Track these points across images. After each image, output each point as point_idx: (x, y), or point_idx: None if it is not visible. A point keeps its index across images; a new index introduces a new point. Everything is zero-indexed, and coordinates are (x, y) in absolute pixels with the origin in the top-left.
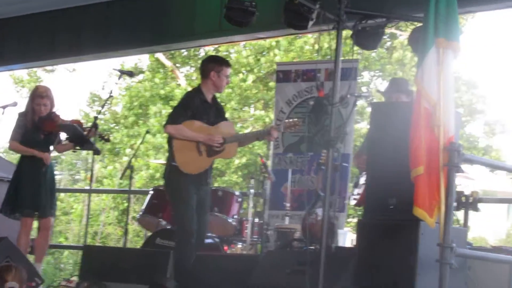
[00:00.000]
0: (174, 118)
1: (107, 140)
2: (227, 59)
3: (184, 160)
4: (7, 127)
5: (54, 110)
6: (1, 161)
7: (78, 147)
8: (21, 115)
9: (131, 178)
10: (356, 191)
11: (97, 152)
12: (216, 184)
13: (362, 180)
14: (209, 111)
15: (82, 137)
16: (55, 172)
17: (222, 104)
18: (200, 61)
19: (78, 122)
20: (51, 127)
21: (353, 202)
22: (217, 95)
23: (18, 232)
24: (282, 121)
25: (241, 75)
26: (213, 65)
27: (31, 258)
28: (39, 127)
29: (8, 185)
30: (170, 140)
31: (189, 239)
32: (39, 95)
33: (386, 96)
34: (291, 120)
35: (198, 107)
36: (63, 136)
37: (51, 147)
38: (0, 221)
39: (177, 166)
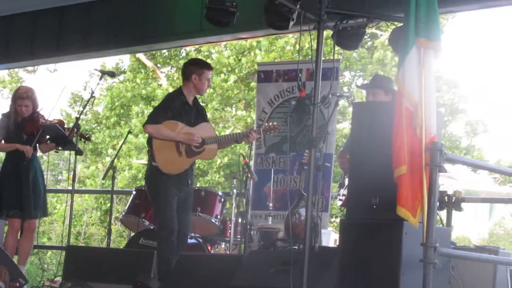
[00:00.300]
0: (154, 117)
1: (88, 139)
2: (208, 60)
3: (164, 160)
4: None
5: (38, 110)
6: None
7: (60, 148)
8: (4, 115)
9: (113, 178)
10: (342, 191)
11: (79, 152)
12: (198, 184)
13: (347, 180)
14: (190, 112)
15: (64, 137)
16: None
17: (204, 104)
18: (181, 62)
19: (60, 122)
20: (33, 127)
21: (339, 203)
22: (199, 95)
23: (5, 233)
24: (262, 125)
25: (222, 76)
26: (194, 68)
27: (14, 259)
28: (21, 127)
29: None
30: (150, 140)
31: (170, 237)
32: (19, 97)
33: (365, 91)
34: (270, 124)
35: (179, 109)
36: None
37: (36, 147)
38: None
39: (157, 167)
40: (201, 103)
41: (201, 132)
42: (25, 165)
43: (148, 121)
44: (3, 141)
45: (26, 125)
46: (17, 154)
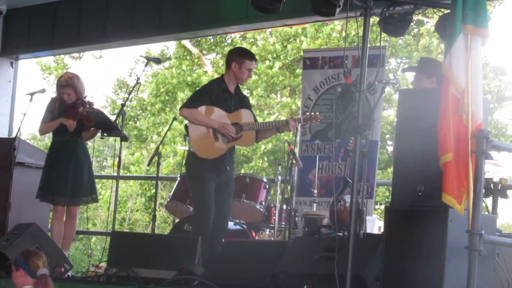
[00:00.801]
0: (191, 102)
1: (125, 139)
2: (253, 47)
3: (199, 145)
4: (35, 114)
5: (84, 96)
6: (29, 148)
7: (105, 134)
8: (52, 100)
9: (158, 164)
10: None
11: (124, 138)
12: (242, 171)
13: None
14: (230, 100)
15: (110, 123)
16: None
17: (249, 91)
18: (226, 48)
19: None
20: (74, 115)
21: None
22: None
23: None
24: (305, 113)
25: (267, 62)
26: (235, 57)
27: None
28: (64, 115)
29: (42, 171)
30: (186, 125)
31: (208, 213)
32: (60, 85)
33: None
34: (312, 114)
35: (218, 95)
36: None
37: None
38: (31, 207)
39: (194, 152)
40: (245, 91)
41: (238, 118)
42: (70, 151)
43: (184, 105)
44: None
45: (68, 112)
46: (62, 140)
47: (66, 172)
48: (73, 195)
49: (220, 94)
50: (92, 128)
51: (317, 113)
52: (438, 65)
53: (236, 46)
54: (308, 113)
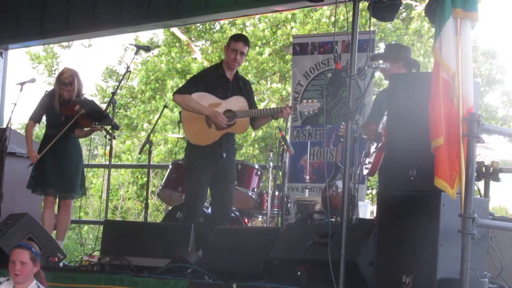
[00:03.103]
0: (184, 88)
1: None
2: (243, 33)
3: (192, 131)
4: (26, 103)
5: (82, 94)
6: (20, 138)
7: (96, 123)
8: (46, 95)
9: (150, 152)
10: (367, 160)
11: (115, 127)
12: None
13: (373, 148)
14: (226, 86)
15: (101, 112)
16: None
17: None
18: (215, 35)
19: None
20: (69, 110)
21: (365, 172)
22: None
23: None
24: (298, 101)
25: (257, 48)
26: (227, 41)
27: (52, 235)
28: (60, 110)
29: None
30: (180, 112)
31: (194, 201)
32: (62, 82)
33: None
34: (310, 101)
35: (214, 81)
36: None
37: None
38: (23, 197)
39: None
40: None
41: (232, 105)
42: (63, 145)
43: (177, 91)
44: (45, 118)
45: (64, 108)
46: (55, 134)
47: (57, 165)
48: (63, 189)
49: (216, 80)
50: (86, 129)
51: (315, 100)
52: (403, 49)
53: (227, 32)
54: (305, 101)
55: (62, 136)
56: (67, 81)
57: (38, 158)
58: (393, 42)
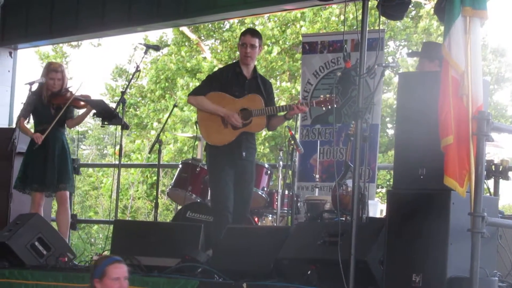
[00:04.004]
0: (198, 89)
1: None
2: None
3: (207, 131)
4: None
5: (68, 86)
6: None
7: (106, 122)
8: (33, 93)
9: (159, 152)
10: None
11: (125, 126)
12: None
13: None
14: (244, 84)
15: (110, 112)
16: (82, 147)
17: None
18: (225, 34)
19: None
20: (60, 101)
21: None
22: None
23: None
24: (308, 96)
25: (266, 47)
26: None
27: None
28: (50, 102)
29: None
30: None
31: (222, 211)
32: (53, 69)
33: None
34: (326, 96)
35: (230, 79)
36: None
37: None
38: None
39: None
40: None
41: (248, 103)
42: (50, 140)
43: (191, 92)
44: (31, 116)
45: (55, 99)
46: (42, 130)
47: (51, 159)
48: (50, 181)
49: (232, 78)
50: (81, 111)
51: (328, 95)
52: (440, 48)
53: (236, 31)
54: (322, 96)
55: (50, 131)
56: (59, 69)
57: (24, 158)
58: (430, 41)
